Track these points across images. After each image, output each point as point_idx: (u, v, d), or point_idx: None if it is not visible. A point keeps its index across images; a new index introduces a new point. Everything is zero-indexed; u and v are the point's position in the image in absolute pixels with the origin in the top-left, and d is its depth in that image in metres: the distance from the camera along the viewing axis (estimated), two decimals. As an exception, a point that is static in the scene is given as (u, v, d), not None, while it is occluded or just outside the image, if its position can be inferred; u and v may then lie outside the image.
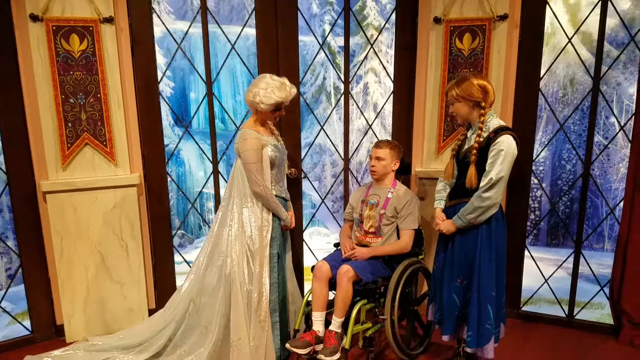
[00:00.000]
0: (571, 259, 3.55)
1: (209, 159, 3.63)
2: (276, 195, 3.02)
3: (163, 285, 3.66)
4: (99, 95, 3.20)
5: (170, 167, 4.20)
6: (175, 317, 3.09)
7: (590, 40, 3.64)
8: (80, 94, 3.17)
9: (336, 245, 3.43)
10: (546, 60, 3.43)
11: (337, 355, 2.79)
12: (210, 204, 4.51)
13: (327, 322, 2.97)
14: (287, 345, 2.87)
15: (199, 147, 3.73)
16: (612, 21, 3.67)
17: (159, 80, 3.43)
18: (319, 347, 2.86)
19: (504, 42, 3.31)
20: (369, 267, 3.01)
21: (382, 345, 3.33)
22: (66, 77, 3.12)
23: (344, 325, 2.91)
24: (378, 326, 3.01)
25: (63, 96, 3.13)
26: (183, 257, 3.81)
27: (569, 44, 3.34)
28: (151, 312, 3.58)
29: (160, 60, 3.87)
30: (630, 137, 3.26)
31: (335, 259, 3.11)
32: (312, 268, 3.13)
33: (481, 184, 2.61)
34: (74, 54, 3.11)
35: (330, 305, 3.05)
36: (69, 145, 3.20)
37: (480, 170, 2.64)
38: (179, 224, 4.40)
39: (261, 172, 2.90)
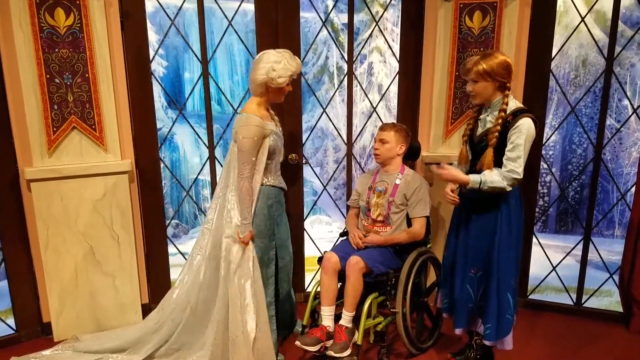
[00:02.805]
0: (580, 246, 3.47)
1: (204, 143, 3.44)
2: (273, 186, 2.84)
3: (156, 278, 3.48)
4: (87, 75, 2.97)
5: (164, 152, 4.00)
6: (171, 316, 2.91)
7: (604, 20, 3.53)
8: (67, 74, 2.93)
9: (342, 234, 3.28)
10: (558, 40, 3.30)
11: (348, 352, 2.68)
12: (206, 192, 4.32)
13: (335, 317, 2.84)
14: (297, 343, 2.72)
15: (194, 131, 3.53)
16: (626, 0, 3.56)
17: (151, 59, 3.22)
18: (329, 343, 2.73)
19: (515, 21, 3.18)
20: (380, 257, 2.87)
21: (391, 338, 3.21)
22: (51, 55, 2.87)
23: (354, 319, 2.78)
24: (389, 319, 2.89)
25: (48, 76, 2.89)
26: (178, 249, 3.63)
27: (582, 23, 3.23)
28: (144, 306, 3.42)
29: (152, 37, 3.65)
30: (643, 121, 3.19)
31: (344, 250, 2.97)
32: (319, 260, 2.99)
33: (506, 167, 2.46)
34: (60, 30, 2.86)
35: (337, 298, 2.91)
36: (54, 129, 2.97)
37: (497, 154, 2.50)
38: (173, 213, 4.20)
39: (251, 164, 2.69)
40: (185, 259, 3.06)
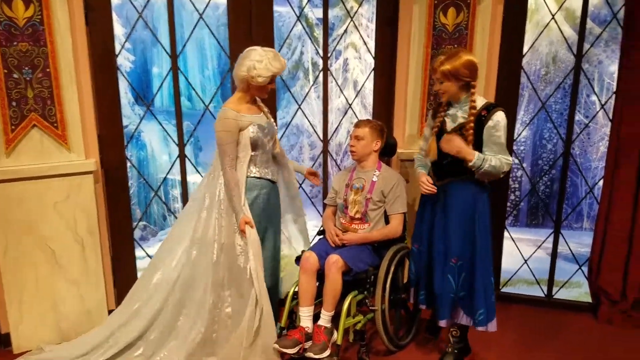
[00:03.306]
0: (550, 239, 3.54)
1: (174, 141, 3.34)
2: (260, 178, 2.81)
3: (124, 283, 3.31)
4: (48, 70, 2.81)
5: (130, 151, 3.90)
6: (149, 310, 2.80)
7: (573, 17, 3.63)
8: (26, 68, 2.77)
9: (320, 233, 3.22)
10: (529, 37, 3.37)
11: (327, 352, 2.62)
12: (176, 192, 4.20)
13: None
14: (275, 346, 2.66)
15: (163, 128, 3.44)
16: (595, -3, 3.68)
17: (117, 53, 3.10)
18: (308, 344, 2.68)
19: (488, 18, 3.21)
20: (358, 255, 2.84)
21: (369, 336, 3.17)
22: (9, 48, 2.71)
23: (333, 318, 2.73)
24: (368, 317, 2.86)
25: (6, 71, 2.72)
26: (146, 252, 3.51)
27: (552, 20, 3.29)
28: (111, 313, 3.23)
29: (119, 30, 3.53)
30: (610, 116, 3.27)
31: (322, 248, 2.91)
32: (297, 259, 2.92)
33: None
34: (18, 22, 2.70)
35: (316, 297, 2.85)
36: (13, 127, 2.80)
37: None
38: (141, 214, 4.07)
39: (228, 155, 2.69)
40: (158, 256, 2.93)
